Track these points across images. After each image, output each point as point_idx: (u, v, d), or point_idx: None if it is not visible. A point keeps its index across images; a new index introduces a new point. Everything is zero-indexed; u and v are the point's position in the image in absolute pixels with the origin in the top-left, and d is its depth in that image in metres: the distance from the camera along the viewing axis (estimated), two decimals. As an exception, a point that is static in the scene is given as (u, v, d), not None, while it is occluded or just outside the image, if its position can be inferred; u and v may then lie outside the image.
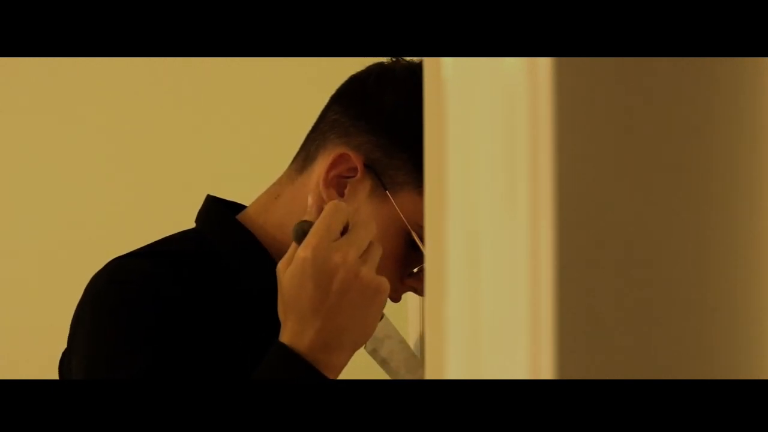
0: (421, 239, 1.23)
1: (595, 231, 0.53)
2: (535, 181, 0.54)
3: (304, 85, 2.60)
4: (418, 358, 1.28)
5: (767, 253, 0.55)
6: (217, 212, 1.31)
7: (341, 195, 1.24)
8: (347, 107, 1.27)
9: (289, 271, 1.12)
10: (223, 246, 1.27)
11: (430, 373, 0.77)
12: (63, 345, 1.27)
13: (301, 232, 1.13)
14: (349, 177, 1.24)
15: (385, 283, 1.14)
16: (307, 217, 1.16)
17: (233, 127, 2.77)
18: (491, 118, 0.61)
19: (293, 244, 1.14)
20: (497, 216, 0.59)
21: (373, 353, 1.27)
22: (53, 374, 1.32)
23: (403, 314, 1.88)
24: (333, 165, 1.24)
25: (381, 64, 1.29)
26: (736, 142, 0.55)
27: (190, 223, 1.33)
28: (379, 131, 1.24)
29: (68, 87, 2.78)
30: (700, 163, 0.55)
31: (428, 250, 0.76)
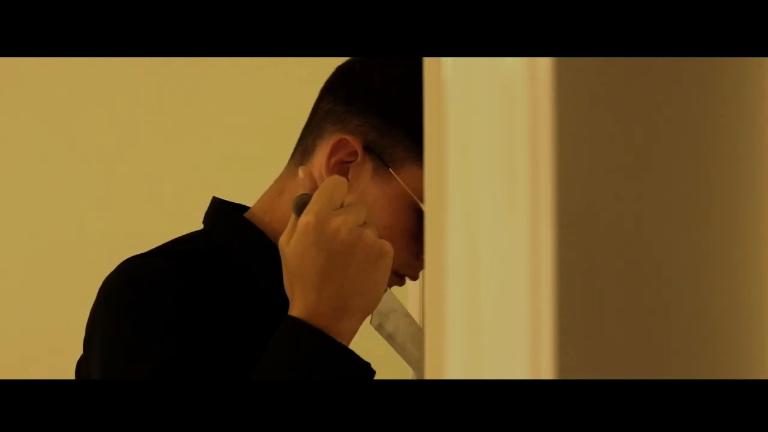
0: None
1: (594, 231, 0.53)
2: (535, 181, 0.54)
3: (304, 85, 2.60)
4: (424, 332, 1.27)
5: (767, 253, 0.55)
6: (225, 212, 1.31)
7: None
8: (338, 94, 1.28)
9: (293, 241, 1.13)
10: (234, 244, 1.27)
11: (430, 373, 0.77)
12: (77, 348, 1.27)
13: (302, 203, 1.14)
14: (350, 162, 1.25)
15: (388, 246, 1.14)
16: (302, 191, 1.16)
17: (233, 128, 2.77)
18: (491, 118, 0.61)
19: (293, 218, 1.14)
20: (497, 215, 0.59)
21: (379, 328, 1.26)
22: (68, 377, 1.32)
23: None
24: (332, 152, 1.25)
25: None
26: (736, 142, 0.55)
27: (196, 225, 1.34)
28: (372, 112, 1.25)
29: (73, 88, 2.78)
30: (700, 163, 0.55)
31: (428, 249, 0.76)
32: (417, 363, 1.27)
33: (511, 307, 0.56)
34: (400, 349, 1.27)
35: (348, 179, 1.24)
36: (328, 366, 1.11)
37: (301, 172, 1.19)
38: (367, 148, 1.25)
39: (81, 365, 1.27)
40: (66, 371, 1.33)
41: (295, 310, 1.13)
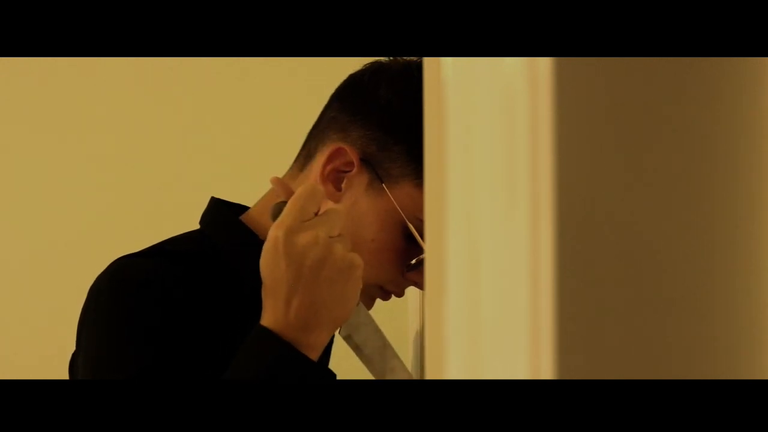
0: (419, 231, 1.23)
1: (595, 231, 0.53)
2: (535, 181, 0.54)
3: (306, 85, 2.60)
4: (392, 347, 1.28)
5: (767, 253, 0.55)
6: (221, 213, 1.31)
7: (338, 189, 1.25)
8: (345, 104, 1.28)
9: (264, 252, 1.12)
10: (226, 246, 1.27)
11: (430, 373, 0.77)
12: (69, 347, 1.27)
13: (278, 212, 1.12)
14: (346, 171, 1.26)
15: (358, 259, 1.13)
16: (279, 199, 1.15)
17: (236, 128, 2.77)
18: (491, 118, 0.61)
19: (273, 225, 1.13)
20: (497, 216, 0.59)
21: (347, 339, 1.26)
22: (61, 376, 1.32)
23: (403, 311, 1.88)
24: (329, 159, 1.25)
25: (378, 61, 1.31)
26: (737, 142, 0.55)
27: (194, 225, 1.34)
28: (374, 125, 1.26)
29: (73, 88, 2.77)
30: (701, 163, 0.55)
31: (428, 250, 0.76)
32: (382, 376, 1.28)
33: (511, 307, 0.56)
34: (366, 361, 1.27)
35: (341, 188, 1.24)
36: (290, 377, 1.10)
37: (272, 181, 1.18)
38: (365, 161, 1.25)
39: (74, 361, 1.27)
40: (59, 369, 1.33)
41: (265, 319, 1.12)
